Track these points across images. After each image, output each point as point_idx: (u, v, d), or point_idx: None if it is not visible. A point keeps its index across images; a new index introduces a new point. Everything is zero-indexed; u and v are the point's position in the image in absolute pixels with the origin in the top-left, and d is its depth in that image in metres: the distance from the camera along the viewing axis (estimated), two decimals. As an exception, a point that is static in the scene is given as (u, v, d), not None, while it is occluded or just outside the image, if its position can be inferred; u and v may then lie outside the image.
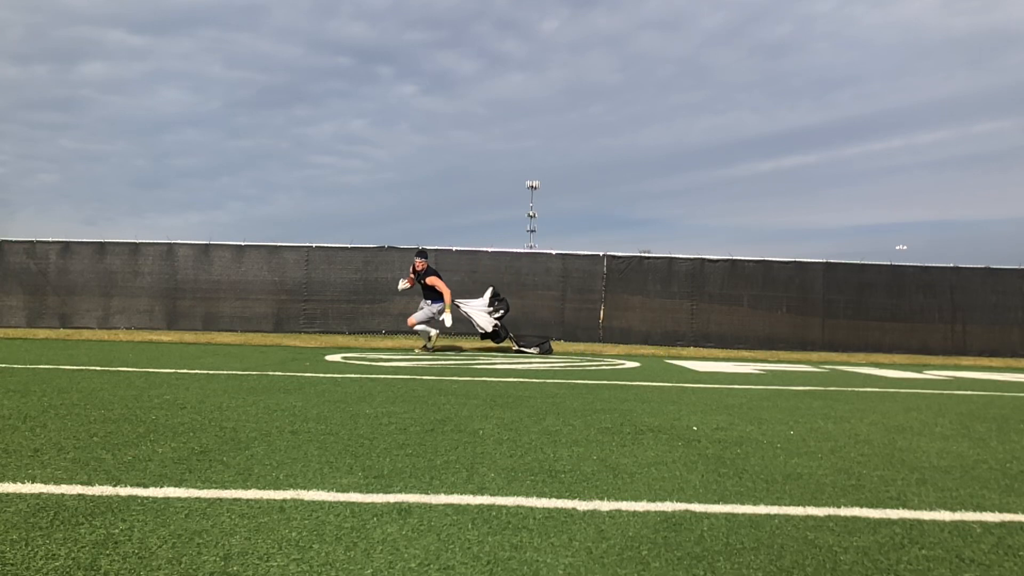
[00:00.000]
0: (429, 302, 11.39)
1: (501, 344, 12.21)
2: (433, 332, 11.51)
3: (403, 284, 11.70)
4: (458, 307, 11.54)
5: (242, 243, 15.80)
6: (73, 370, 6.40)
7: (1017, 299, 15.82)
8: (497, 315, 11.75)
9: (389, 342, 13.35)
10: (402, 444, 3.28)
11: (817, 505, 2.47)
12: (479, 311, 11.70)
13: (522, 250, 16.61)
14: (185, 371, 6.60)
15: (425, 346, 11.50)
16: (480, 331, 11.86)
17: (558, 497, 2.46)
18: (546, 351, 11.98)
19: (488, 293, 12.02)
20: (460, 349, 12.25)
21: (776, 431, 4.05)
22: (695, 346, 15.27)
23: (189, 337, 13.39)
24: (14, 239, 15.81)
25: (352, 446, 3.20)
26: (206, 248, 15.74)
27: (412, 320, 11.40)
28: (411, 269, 11.61)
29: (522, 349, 12.02)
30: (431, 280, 11.39)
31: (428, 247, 15.89)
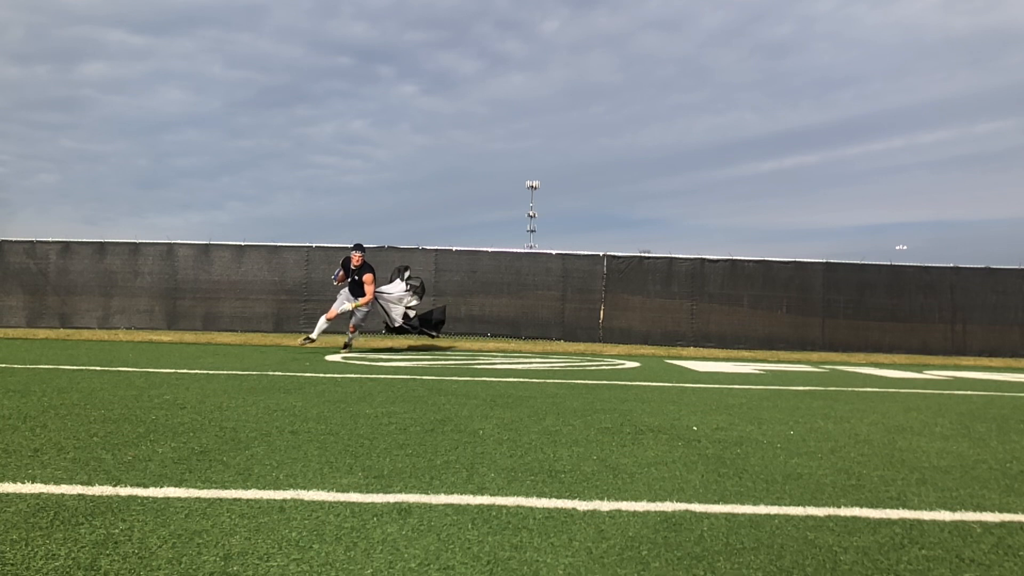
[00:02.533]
0: (354, 298, 10.75)
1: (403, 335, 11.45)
2: (322, 330, 10.75)
3: (337, 284, 10.89)
4: (375, 299, 10.80)
5: (242, 243, 15.80)
6: (73, 370, 6.40)
7: (1017, 299, 15.82)
8: (412, 304, 10.94)
9: (389, 342, 13.35)
10: (402, 444, 3.28)
11: (817, 505, 2.47)
12: (395, 303, 10.85)
13: (522, 250, 16.60)
14: (185, 371, 6.60)
15: (309, 337, 10.66)
16: (386, 325, 11.07)
17: (558, 497, 2.46)
18: (439, 323, 11.39)
19: (399, 278, 11.17)
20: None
21: (776, 431, 4.05)
22: (695, 346, 15.27)
23: (189, 337, 13.39)
24: (14, 239, 15.82)
25: (352, 446, 3.20)
26: (206, 248, 15.74)
27: (334, 314, 10.62)
28: (341, 265, 10.78)
29: (425, 331, 11.33)
30: (367, 278, 10.66)
31: (429, 247, 15.87)
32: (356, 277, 10.69)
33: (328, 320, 10.64)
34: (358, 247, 10.76)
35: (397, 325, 10.89)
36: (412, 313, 11.00)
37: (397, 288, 11.08)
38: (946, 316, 15.86)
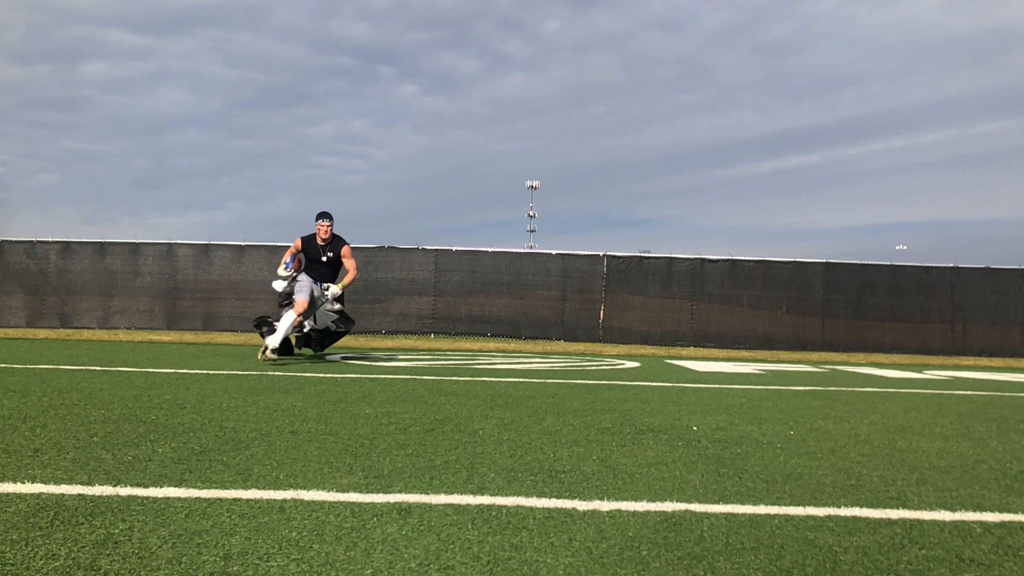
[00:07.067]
0: (320, 284, 8.07)
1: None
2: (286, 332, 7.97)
3: (287, 272, 8.07)
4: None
5: (242, 243, 15.81)
6: (73, 370, 6.39)
7: (1017, 299, 15.83)
8: (335, 308, 8.43)
9: (389, 342, 13.35)
10: (402, 444, 3.28)
11: (817, 505, 2.47)
12: (327, 307, 8.33)
13: (522, 250, 16.62)
14: (185, 371, 6.60)
15: (269, 349, 7.80)
16: (302, 336, 8.67)
17: (558, 497, 2.46)
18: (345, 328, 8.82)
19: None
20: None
21: (776, 431, 4.05)
22: (695, 346, 15.27)
23: (189, 337, 13.38)
24: (14, 239, 15.83)
25: (352, 446, 3.19)
26: (206, 248, 15.74)
27: (301, 306, 7.84)
28: (300, 248, 8.09)
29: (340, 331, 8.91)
30: (346, 251, 8.09)
31: (429, 247, 15.84)
32: (330, 255, 8.03)
33: (298, 316, 7.93)
34: (325, 216, 8.05)
35: (323, 327, 8.51)
36: (336, 314, 8.53)
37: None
38: (946, 316, 15.87)
